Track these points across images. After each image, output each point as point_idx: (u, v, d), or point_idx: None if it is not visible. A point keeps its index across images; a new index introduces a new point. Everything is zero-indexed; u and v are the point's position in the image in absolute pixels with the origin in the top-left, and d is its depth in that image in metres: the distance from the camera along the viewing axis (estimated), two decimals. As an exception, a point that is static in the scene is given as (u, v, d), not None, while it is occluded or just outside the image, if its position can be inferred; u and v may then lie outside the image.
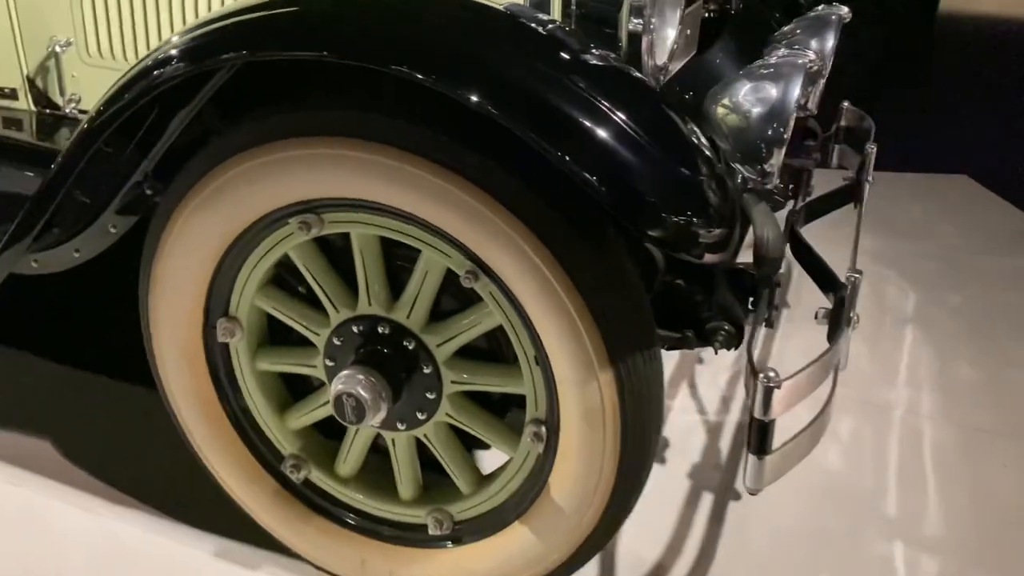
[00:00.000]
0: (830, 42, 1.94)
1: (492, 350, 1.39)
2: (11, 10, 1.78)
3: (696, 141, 1.21)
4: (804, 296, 2.63)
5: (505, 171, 1.19)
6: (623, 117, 1.13)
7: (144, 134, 1.42)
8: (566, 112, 1.11)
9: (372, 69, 1.15)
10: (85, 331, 2.31)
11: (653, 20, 1.33)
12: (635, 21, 1.32)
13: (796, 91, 1.44)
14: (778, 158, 1.46)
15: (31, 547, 1.65)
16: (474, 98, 1.10)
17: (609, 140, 1.11)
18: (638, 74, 1.25)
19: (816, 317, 1.59)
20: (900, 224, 3.28)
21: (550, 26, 1.23)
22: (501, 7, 1.23)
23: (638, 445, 1.29)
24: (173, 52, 1.27)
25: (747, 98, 1.47)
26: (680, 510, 1.83)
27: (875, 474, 1.97)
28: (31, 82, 1.83)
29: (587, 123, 1.11)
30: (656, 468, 1.43)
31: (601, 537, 1.39)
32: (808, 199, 2.06)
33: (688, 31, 1.87)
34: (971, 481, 1.95)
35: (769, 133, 1.44)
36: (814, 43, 1.95)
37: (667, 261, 1.58)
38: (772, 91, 1.46)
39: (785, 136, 1.45)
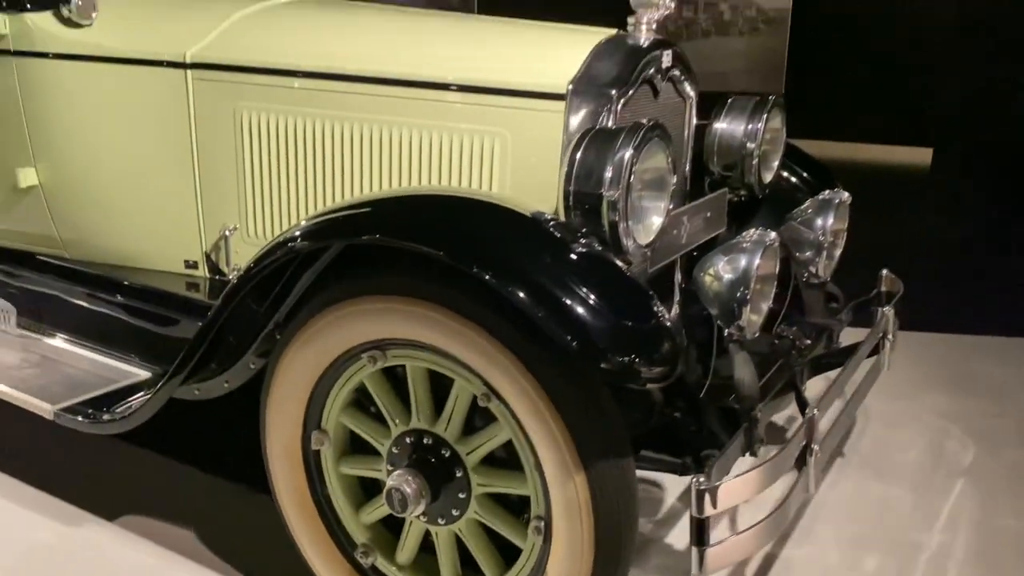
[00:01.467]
0: (831, 220, 2.30)
1: (509, 459, 1.78)
2: (199, 205, 2.44)
3: (645, 303, 1.61)
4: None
5: (509, 322, 1.63)
6: (585, 288, 1.56)
7: (279, 292, 1.97)
8: (543, 285, 1.56)
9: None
10: (228, 446, 2.86)
11: (627, 216, 1.77)
12: (611, 215, 1.76)
13: (756, 262, 1.82)
14: (746, 316, 1.83)
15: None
16: (486, 276, 1.57)
17: (572, 305, 1.54)
18: (603, 254, 1.68)
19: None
20: (976, 384, 3.39)
21: (549, 223, 1.70)
22: (526, 213, 1.72)
23: (611, 538, 1.62)
24: (297, 233, 1.83)
25: (723, 268, 1.86)
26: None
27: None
28: (208, 256, 2.47)
29: (557, 292, 1.55)
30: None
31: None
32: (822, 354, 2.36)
33: (708, 214, 2.30)
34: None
35: (737, 295, 1.82)
36: (819, 221, 2.32)
37: (664, 398, 1.94)
38: (741, 262, 1.85)
39: (748, 297, 1.82)
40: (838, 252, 2.44)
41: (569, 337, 1.52)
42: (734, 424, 1.89)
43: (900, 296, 2.60)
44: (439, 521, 1.83)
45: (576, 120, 1.94)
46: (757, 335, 1.96)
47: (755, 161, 2.42)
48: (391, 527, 1.99)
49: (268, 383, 1.95)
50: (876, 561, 2.30)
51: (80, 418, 2.19)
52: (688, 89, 2.29)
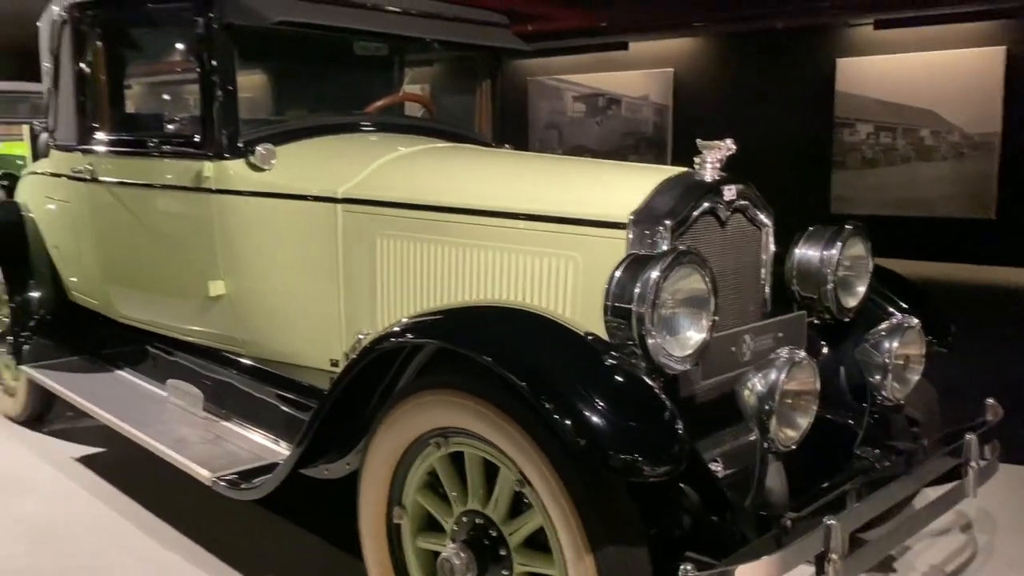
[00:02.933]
0: (896, 344, 2.38)
1: (545, 541, 2.00)
2: (341, 314, 2.92)
3: (654, 409, 1.82)
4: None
5: (537, 420, 1.90)
6: (599, 395, 1.82)
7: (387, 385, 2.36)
8: (562, 391, 1.84)
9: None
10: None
11: (656, 330, 2.00)
12: (640, 328, 1.99)
13: (782, 377, 1.98)
14: (774, 428, 1.98)
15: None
16: (516, 380, 1.86)
17: (583, 408, 1.80)
18: (625, 365, 1.93)
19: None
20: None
21: (585, 337, 1.97)
22: (568, 327, 2.01)
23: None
24: (380, 335, 2.21)
25: (756, 383, 2.03)
26: None
27: None
28: (347, 356, 2.93)
29: (573, 397, 1.82)
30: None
31: None
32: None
33: (779, 333, 2.45)
34: None
35: (765, 408, 1.98)
36: (886, 344, 2.41)
37: (701, 500, 2.09)
38: (770, 377, 2.01)
39: (773, 410, 1.98)
40: (913, 377, 2.48)
41: (578, 437, 1.76)
42: (761, 527, 2.00)
43: (992, 425, 2.55)
44: (488, 595, 2.08)
45: (635, 247, 2.22)
46: (793, 447, 2.07)
47: (830, 286, 2.55)
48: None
49: (362, 463, 2.31)
50: None
51: (227, 485, 2.66)
52: (762, 218, 2.50)
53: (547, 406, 1.80)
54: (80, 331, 4.00)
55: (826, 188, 10.61)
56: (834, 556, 1.89)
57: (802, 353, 2.08)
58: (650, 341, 2.00)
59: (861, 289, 2.66)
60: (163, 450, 2.96)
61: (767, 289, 2.58)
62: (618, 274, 2.06)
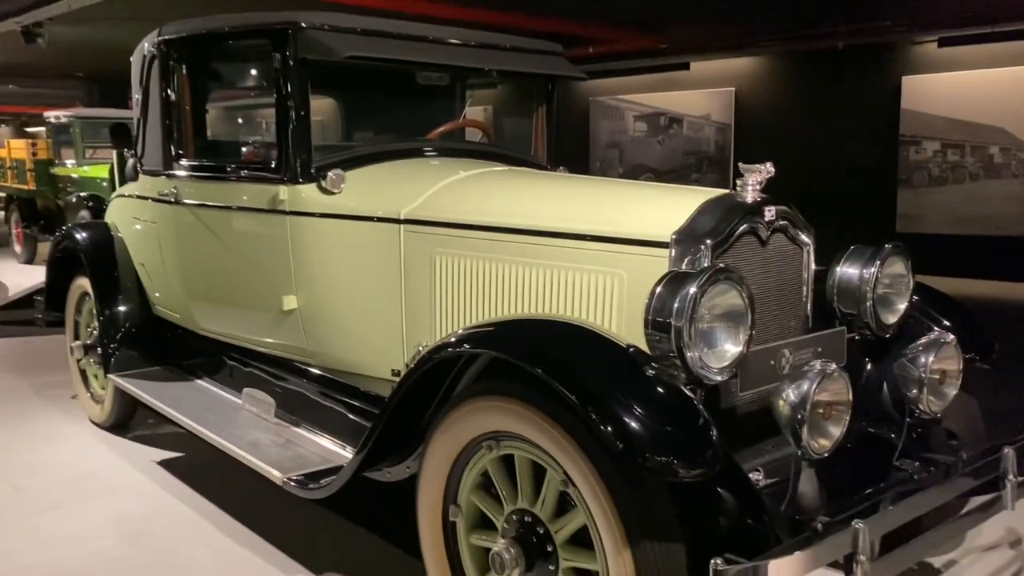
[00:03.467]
0: (931, 358, 2.46)
1: (589, 538, 2.15)
2: (403, 326, 3.12)
3: (689, 416, 1.96)
4: None
5: (581, 425, 2.05)
6: (638, 402, 1.96)
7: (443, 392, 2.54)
8: (603, 398, 1.98)
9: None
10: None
11: (693, 343, 2.13)
12: (678, 341, 2.13)
13: (813, 388, 2.10)
14: (806, 437, 2.10)
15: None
16: (561, 388, 2.02)
17: (622, 414, 1.94)
18: (663, 376, 2.07)
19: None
20: None
21: (627, 350, 2.12)
22: (611, 340, 2.16)
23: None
24: (450, 342, 2.39)
25: (789, 394, 2.15)
26: None
27: None
28: (407, 367, 3.12)
29: (612, 404, 1.96)
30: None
31: None
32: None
33: (818, 348, 2.55)
34: None
35: (797, 417, 2.10)
36: (922, 359, 2.50)
37: (738, 505, 2.20)
38: (802, 388, 2.13)
39: (804, 419, 2.09)
40: (950, 391, 2.55)
41: (617, 440, 1.91)
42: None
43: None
44: (536, 588, 2.23)
45: (676, 264, 2.36)
46: (827, 455, 2.18)
47: (868, 303, 2.65)
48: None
49: (421, 464, 2.49)
50: None
51: (297, 485, 2.86)
52: (803, 238, 2.62)
53: (590, 412, 1.95)
54: (163, 343, 4.29)
55: (892, 206, 10.51)
56: (862, 558, 1.99)
57: (833, 365, 2.18)
58: (688, 353, 2.13)
59: (901, 306, 2.75)
60: (238, 452, 3.19)
61: (808, 306, 2.68)
62: (659, 290, 2.20)
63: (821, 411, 2.15)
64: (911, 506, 2.23)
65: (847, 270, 2.71)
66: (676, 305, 2.15)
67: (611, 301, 2.52)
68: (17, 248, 12.25)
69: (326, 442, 3.28)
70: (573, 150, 13.06)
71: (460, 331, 2.40)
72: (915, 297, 2.92)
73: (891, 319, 2.73)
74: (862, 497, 2.32)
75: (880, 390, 2.77)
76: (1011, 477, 2.48)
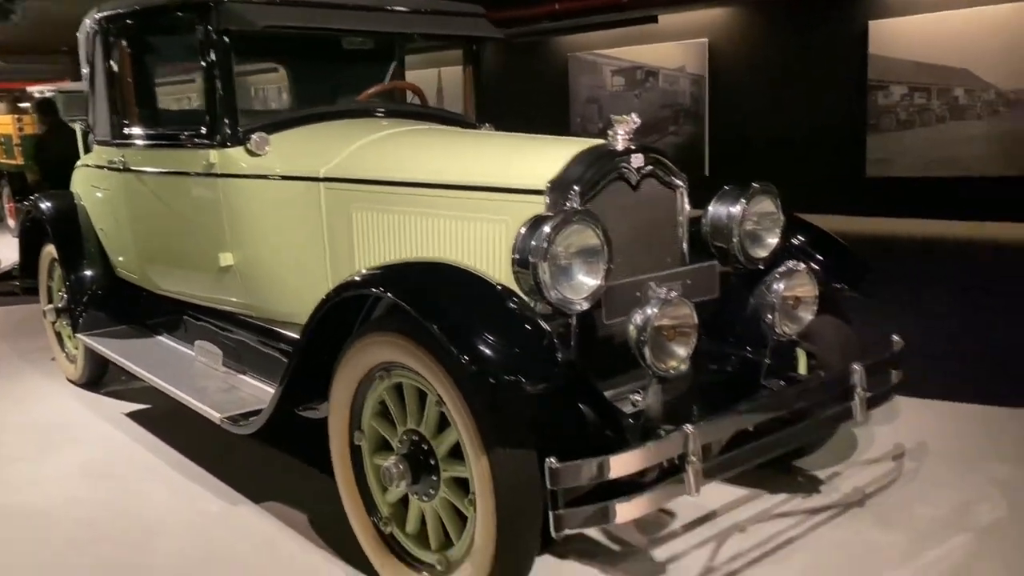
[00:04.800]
0: (782, 286, 2.73)
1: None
2: (328, 276, 3.38)
3: (536, 337, 2.23)
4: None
5: (446, 353, 2.31)
6: (489, 327, 2.24)
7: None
8: (460, 325, 2.26)
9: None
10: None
11: (550, 278, 2.39)
12: (536, 276, 2.39)
13: (654, 312, 2.37)
14: (650, 357, 2.37)
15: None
16: (421, 318, 2.29)
17: (474, 338, 2.22)
18: (514, 305, 2.35)
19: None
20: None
21: (490, 285, 2.39)
22: (478, 276, 2.43)
23: (511, 512, 2.22)
24: (342, 285, 2.66)
25: (637, 317, 2.42)
26: None
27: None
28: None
29: (467, 329, 2.25)
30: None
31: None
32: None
33: (688, 281, 2.81)
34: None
35: (641, 338, 2.37)
36: (776, 286, 2.76)
37: (597, 418, 2.48)
38: (645, 313, 2.40)
39: (646, 340, 2.36)
40: (805, 315, 2.81)
41: (472, 362, 2.19)
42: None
43: (889, 358, 2.88)
44: (424, 498, 2.53)
45: (551, 210, 2.61)
46: (677, 373, 2.45)
47: (736, 240, 2.90)
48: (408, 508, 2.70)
49: (330, 396, 2.77)
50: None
51: (230, 423, 3.16)
52: (676, 181, 2.87)
53: (449, 340, 2.23)
54: (126, 303, 4.58)
55: (862, 151, 10.67)
56: (693, 458, 2.27)
57: (675, 293, 2.44)
58: (546, 287, 2.40)
59: (771, 240, 2.99)
60: (184, 397, 3.49)
61: (684, 244, 2.94)
62: (523, 231, 2.46)
63: (666, 334, 2.42)
64: (744, 416, 2.51)
65: (719, 209, 2.96)
66: (534, 244, 2.41)
67: (499, 246, 2.77)
68: (11, 222, 12.55)
69: (267, 387, 3.56)
70: (555, 107, 13.21)
71: (357, 275, 2.66)
72: (801, 237, 3.18)
73: (761, 253, 2.98)
74: (721, 411, 2.59)
75: (753, 318, 3.03)
76: (860, 391, 2.75)
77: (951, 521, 2.96)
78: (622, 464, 2.19)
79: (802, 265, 2.79)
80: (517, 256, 2.44)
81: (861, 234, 8.52)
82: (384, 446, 2.71)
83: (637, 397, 2.66)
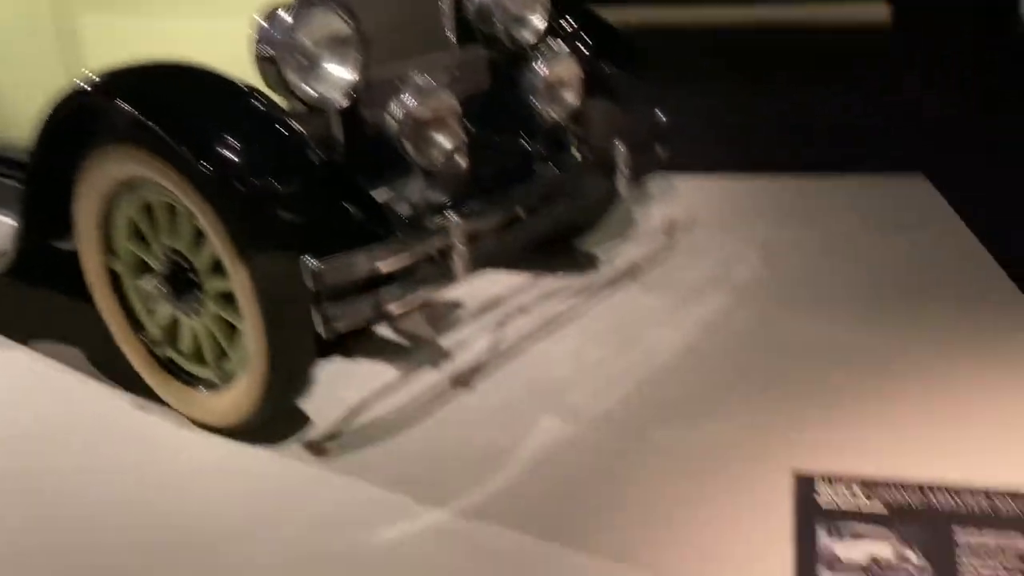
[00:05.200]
0: (544, 68, 2.70)
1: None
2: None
3: (283, 140, 2.10)
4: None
5: (197, 164, 2.14)
6: (232, 132, 2.09)
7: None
8: (200, 132, 2.10)
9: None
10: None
11: (293, 74, 2.23)
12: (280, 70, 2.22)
13: (411, 102, 2.27)
14: (410, 148, 2.29)
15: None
16: (165, 131, 2.10)
17: (218, 145, 2.07)
18: (259, 105, 2.18)
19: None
20: (802, 220, 3.72)
21: (233, 84, 2.19)
22: (235, 82, 2.21)
23: (277, 319, 2.18)
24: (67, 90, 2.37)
25: (394, 108, 2.32)
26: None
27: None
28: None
29: (209, 137, 2.09)
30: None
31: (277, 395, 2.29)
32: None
33: (458, 73, 2.70)
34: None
35: (401, 131, 2.29)
36: (538, 69, 2.72)
37: (365, 214, 2.41)
38: (402, 101, 2.30)
39: (404, 132, 2.28)
40: (570, 97, 2.81)
41: (215, 169, 2.04)
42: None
43: (653, 132, 2.97)
44: (192, 315, 2.43)
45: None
46: (448, 166, 2.41)
47: (500, 25, 2.81)
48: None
49: (74, 221, 2.55)
50: (600, 351, 2.78)
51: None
52: (434, -34, 2.69)
53: (183, 145, 2.06)
54: None
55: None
56: (460, 246, 2.29)
57: (433, 81, 2.36)
58: (294, 82, 2.24)
59: (537, 23, 2.92)
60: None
61: (449, 31, 2.81)
62: (262, 23, 2.25)
63: (426, 123, 2.34)
64: (511, 202, 2.55)
65: (482, -6, 2.83)
66: (275, 36, 2.22)
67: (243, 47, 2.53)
68: None
69: (12, 221, 3.23)
70: None
71: (82, 80, 2.37)
72: (570, 20, 3.13)
73: (530, 37, 2.91)
74: (493, 199, 2.59)
75: (527, 105, 3.00)
76: (622, 167, 2.84)
77: (712, 281, 3.21)
78: (383, 257, 2.16)
79: (565, 48, 2.76)
80: (259, 51, 2.25)
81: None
82: (147, 268, 2.56)
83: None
